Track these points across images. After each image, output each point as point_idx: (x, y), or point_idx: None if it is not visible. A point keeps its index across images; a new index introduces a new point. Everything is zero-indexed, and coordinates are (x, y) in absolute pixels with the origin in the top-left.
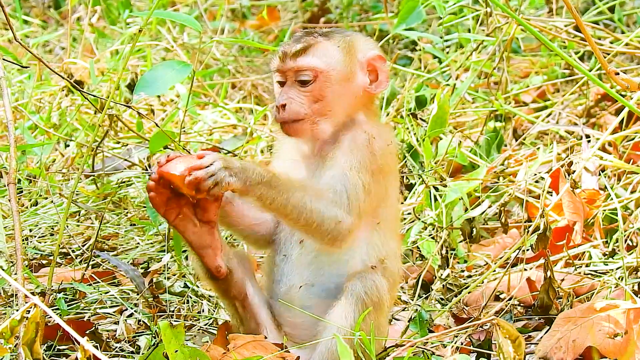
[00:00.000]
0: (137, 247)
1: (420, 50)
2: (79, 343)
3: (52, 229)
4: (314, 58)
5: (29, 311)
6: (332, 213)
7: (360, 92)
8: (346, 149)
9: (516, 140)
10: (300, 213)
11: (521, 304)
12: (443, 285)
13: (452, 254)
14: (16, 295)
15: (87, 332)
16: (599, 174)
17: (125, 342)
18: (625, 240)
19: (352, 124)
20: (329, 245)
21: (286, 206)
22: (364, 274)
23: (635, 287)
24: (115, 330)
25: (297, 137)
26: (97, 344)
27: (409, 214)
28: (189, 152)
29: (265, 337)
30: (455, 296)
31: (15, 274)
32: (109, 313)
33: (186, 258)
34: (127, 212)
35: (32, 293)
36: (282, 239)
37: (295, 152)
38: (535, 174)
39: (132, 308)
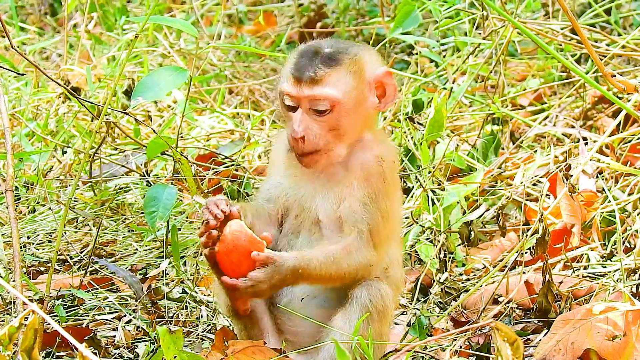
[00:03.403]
0: (135, 253)
1: (416, 54)
2: (77, 349)
3: (50, 235)
4: (331, 88)
5: (27, 318)
6: (364, 262)
7: (371, 112)
8: (360, 177)
9: (513, 144)
10: (338, 278)
11: (520, 307)
12: (441, 289)
13: (450, 257)
14: (14, 302)
15: (86, 338)
16: (597, 177)
17: (124, 348)
18: (623, 243)
19: (359, 145)
20: (359, 281)
21: (328, 280)
22: (369, 282)
23: (634, 289)
24: (114, 337)
25: (316, 167)
26: (96, 351)
27: (407, 217)
28: (186, 158)
29: (265, 343)
30: (454, 300)
31: (14, 281)
32: (107, 319)
33: (184, 264)
34: (125, 219)
35: (31, 300)
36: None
37: (295, 167)
38: (533, 177)
39: (130, 314)
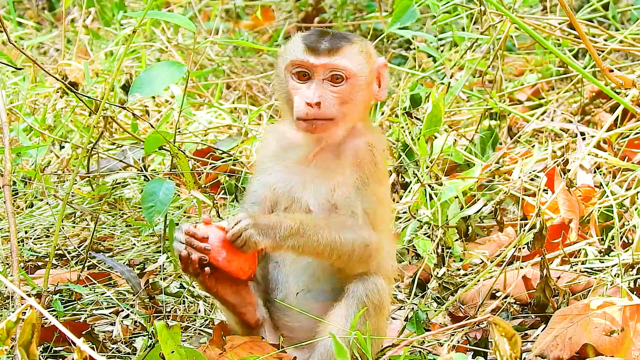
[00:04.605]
0: (132, 248)
1: (414, 49)
2: (75, 344)
3: (48, 230)
4: (347, 60)
5: (25, 313)
6: (359, 239)
7: (372, 98)
8: (352, 163)
9: (511, 139)
10: (332, 250)
11: (517, 302)
12: (439, 283)
13: (447, 252)
14: (12, 297)
15: (84, 333)
16: (594, 172)
17: (121, 343)
18: (621, 238)
19: (350, 133)
20: (360, 267)
21: (317, 248)
22: (365, 276)
23: (631, 284)
24: (112, 332)
25: (318, 134)
26: (94, 345)
27: (405, 212)
28: (184, 153)
29: (262, 338)
30: (452, 295)
31: (11, 275)
32: (105, 314)
33: None
34: (123, 213)
35: (28, 295)
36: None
37: (285, 158)
38: (531, 172)
39: (128, 309)
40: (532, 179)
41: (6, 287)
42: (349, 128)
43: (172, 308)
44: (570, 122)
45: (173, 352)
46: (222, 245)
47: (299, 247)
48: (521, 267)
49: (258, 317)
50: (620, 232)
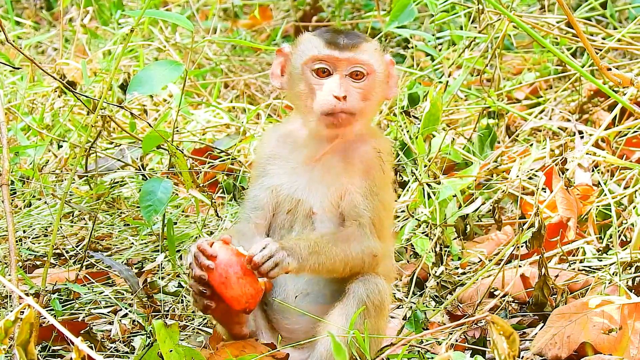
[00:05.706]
0: (131, 247)
1: (412, 47)
2: (73, 343)
3: (46, 229)
4: (368, 55)
5: (23, 312)
6: (367, 250)
7: (384, 96)
8: (362, 170)
9: (509, 137)
10: (345, 265)
11: (516, 301)
12: (437, 282)
13: (446, 251)
14: (10, 296)
15: (82, 332)
16: (593, 170)
17: (119, 342)
18: (619, 236)
19: (359, 137)
20: (366, 272)
21: (333, 265)
22: (366, 276)
23: (629, 283)
24: (110, 331)
25: (340, 130)
26: (92, 344)
27: (403, 211)
28: (182, 152)
29: (256, 339)
30: (450, 293)
31: (9, 275)
32: (103, 313)
33: (180, 258)
34: (121, 212)
35: (26, 294)
36: None
37: (291, 156)
38: (529, 171)
39: (126, 308)
40: (530, 178)
41: (4, 287)
42: (359, 129)
43: (170, 307)
44: (569, 120)
45: (171, 351)
46: (227, 269)
47: (318, 265)
48: (519, 266)
49: (245, 332)
50: (618, 231)
